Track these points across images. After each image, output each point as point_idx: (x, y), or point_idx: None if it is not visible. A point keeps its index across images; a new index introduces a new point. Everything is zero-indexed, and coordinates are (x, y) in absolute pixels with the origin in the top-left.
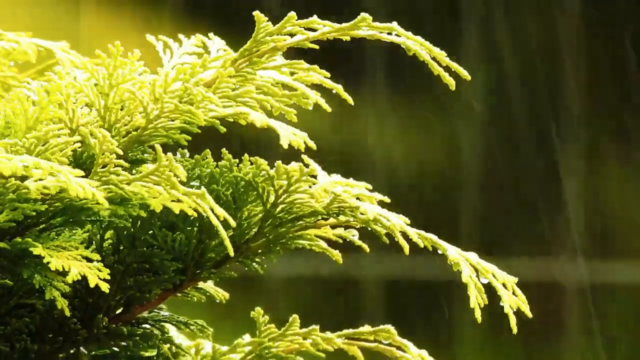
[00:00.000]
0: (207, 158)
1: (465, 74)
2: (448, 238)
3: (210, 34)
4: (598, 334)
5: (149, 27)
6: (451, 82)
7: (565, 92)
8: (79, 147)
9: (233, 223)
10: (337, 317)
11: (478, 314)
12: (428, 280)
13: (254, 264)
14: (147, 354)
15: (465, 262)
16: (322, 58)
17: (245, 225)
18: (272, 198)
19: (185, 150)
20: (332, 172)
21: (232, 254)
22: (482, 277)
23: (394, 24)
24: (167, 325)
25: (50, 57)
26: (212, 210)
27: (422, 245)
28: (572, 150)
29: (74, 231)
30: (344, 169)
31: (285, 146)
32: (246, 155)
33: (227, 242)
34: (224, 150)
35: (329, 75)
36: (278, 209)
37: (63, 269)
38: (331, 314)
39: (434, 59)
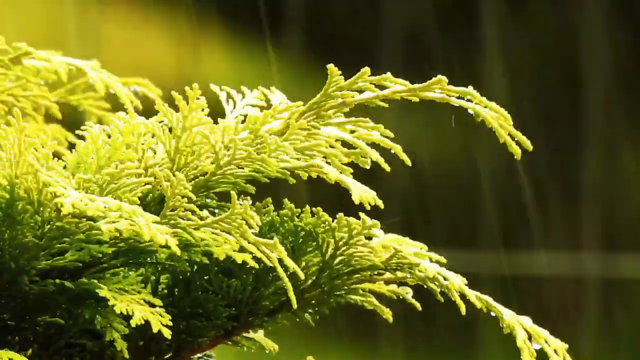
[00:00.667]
0: (268, 206)
1: (528, 144)
2: (466, 233)
3: (272, 88)
4: (614, 327)
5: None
6: (517, 152)
7: (583, 86)
8: (148, 187)
9: (302, 275)
10: None
11: None
12: None
13: (306, 314)
14: None
15: (519, 326)
16: (338, 54)
17: (303, 275)
18: (331, 250)
19: (248, 197)
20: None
21: (295, 306)
22: (535, 342)
23: (470, 89)
24: None
25: (80, 75)
26: (279, 260)
27: (479, 307)
28: (590, 144)
29: (129, 272)
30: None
31: (357, 202)
32: (307, 206)
33: (292, 294)
34: (285, 200)
35: (391, 135)
36: (336, 261)
37: (127, 312)
38: None
39: (500, 125)
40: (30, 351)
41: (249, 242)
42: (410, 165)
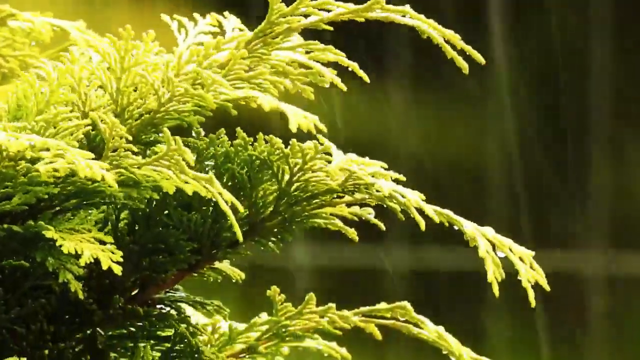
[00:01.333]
0: (221, 137)
1: (480, 58)
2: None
3: (226, 13)
4: (622, 325)
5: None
6: (464, 66)
7: (592, 84)
8: (92, 131)
9: (241, 209)
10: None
11: (496, 289)
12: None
13: (270, 243)
14: (164, 334)
15: (481, 236)
16: (344, 45)
17: (261, 204)
18: (287, 176)
19: (201, 129)
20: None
21: (240, 239)
22: (499, 250)
23: (407, 7)
24: (183, 305)
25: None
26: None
27: (437, 221)
28: (598, 140)
29: (89, 211)
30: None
31: (294, 129)
32: (261, 134)
33: (237, 228)
34: (238, 129)
35: (344, 55)
36: (293, 187)
37: (76, 251)
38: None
39: (447, 41)
40: None
41: (190, 178)
42: (345, 90)
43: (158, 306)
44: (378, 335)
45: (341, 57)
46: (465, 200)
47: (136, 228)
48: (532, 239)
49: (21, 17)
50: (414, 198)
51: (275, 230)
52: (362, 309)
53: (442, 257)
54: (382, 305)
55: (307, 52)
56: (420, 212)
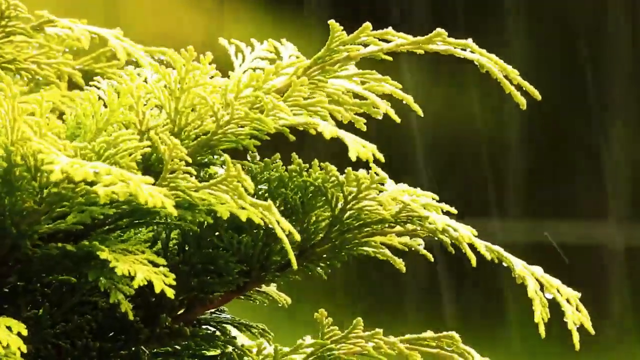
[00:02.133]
0: (276, 162)
1: (536, 94)
2: (490, 202)
3: (283, 40)
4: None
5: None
6: (522, 102)
7: (609, 58)
8: (148, 150)
9: (298, 237)
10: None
11: (542, 329)
12: None
13: (318, 268)
14: (209, 354)
15: (530, 276)
16: (363, 19)
17: (312, 230)
18: (340, 204)
19: (256, 154)
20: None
21: (295, 266)
22: (547, 292)
23: (469, 41)
24: (228, 326)
25: (102, 44)
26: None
27: (489, 258)
28: (614, 114)
29: (139, 229)
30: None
31: (354, 158)
32: (316, 160)
33: (291, 255)
34: (293, 154)
35: (400, 86)
36: (346, 215)
37: (129, 273)
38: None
39: (506, 76)
40: (41, 311)
41: (247, 204)
42: (422, 115)
43: (204, 326)
44: None
45: (397, 90)
46: (479, 173)
47: (186, 248)
48: (548, 210)
49: (60, 24)
50: (466, 234)
51: (325, 256)
52: (408, 336)
53: None
54: (429, 333)
55: (362, 82)
56: (472, 247)
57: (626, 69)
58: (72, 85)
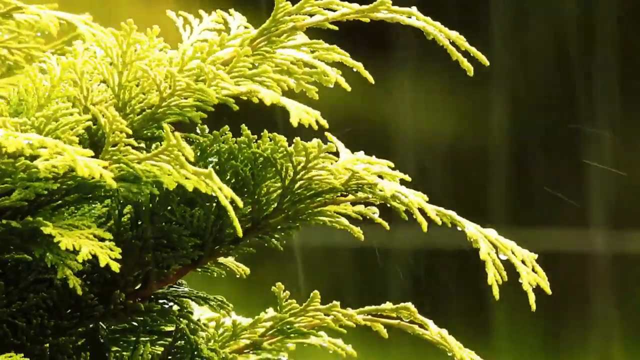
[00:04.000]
0: (226, 134)
1: (484, 59)
2: (477, 210)
3: (231, 10)
4: (622, 303)
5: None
6: (469, 68)
7: (596, 63)
8: (93, 125)
9: (241, 204)
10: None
11: (496, 292)
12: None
13: (273, 239)
14: (167, 329)
15: (483, 238)
16: (350, 29)
17: (264, 201)
18: (290, 174)
19: (205, 126)
20: (361, 143)
21: (240, 235)
22: (501, 253)
23: (413, 9)
24: (187, 300)
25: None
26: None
27: (440, 223)
28: (601, 120)
29: (93, 205)
30: (373, 142)
31: (295, 124)
32: (265, 131)
33: (237, 223)
34: (243, 126)
35: (348, 55)
36: (296, 186)
37: (74, 247)
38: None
39: (453, 43)
40: None
41: (189, 173)
42: (349, 90)
43: (161, 301)
44: (385, 334)
45: (346, 58)
46: (466, 180)
47: (139, 223)
48: (533, 218)
49: (28, 11)
50: (416, 200)
51: (279, 227)
52: (367, 308)
53: None
54: (387, 305)
55: (312, 52)
56: (423, 212)
57: (613, 77)
58: None
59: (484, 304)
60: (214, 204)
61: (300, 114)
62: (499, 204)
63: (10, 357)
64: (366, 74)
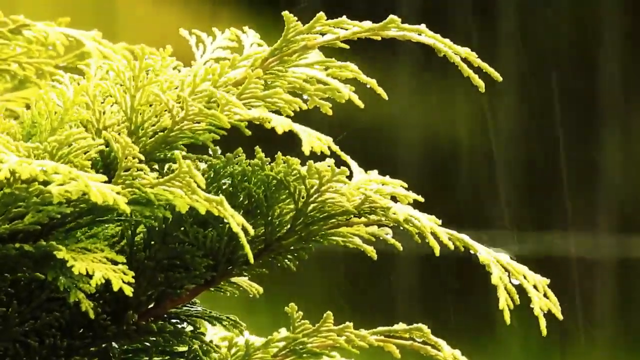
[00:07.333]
0: (239, 156)
1: (496, 75)
2: (482, 214)
3: (245, 27)
4: (627, 307)
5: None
6: (481, 84)
7: (601, 67)
8: (106, 147)
9: (252, 231)
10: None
11: (507, 316)
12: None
13: (286, 260)
14: (180, 349)
15: (495, 263)
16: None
17: (277, 223)
18: (303, 197)
19: (217, 148)
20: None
21: (251, 260)
22: (514, 278)
23: (423, 26)
24: (200, 320)
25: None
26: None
27: (452, 247)
28: (606, 125)
29: (106, 226)
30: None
31: (307, 152)
32: (279, 153)
33: (247, 249)
34: (257, 148)
35: (360, 72)
36: (310, 208)
37: (87, 272)
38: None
39: (464, 60)
40: (11, 308)
41: (201, 200)
42: (362, 107)
43: (173, 320)
44: (397, 354)
45: (359, 74)
46: (470, 185)
47: (152, 243)
48: (538, 222)
49: (35, 28)
50: (429, 224)
51: (292, 248)
52: (380, 328)
53: None
54: (400, 326)
55: (325, 69)
56: (435, 236)
57: (619, 81)
58: None
59: (488, 311)
60: (227, 226)
61: (312, 140)
62: (505, 208)
63: None
64: (380, 90)
